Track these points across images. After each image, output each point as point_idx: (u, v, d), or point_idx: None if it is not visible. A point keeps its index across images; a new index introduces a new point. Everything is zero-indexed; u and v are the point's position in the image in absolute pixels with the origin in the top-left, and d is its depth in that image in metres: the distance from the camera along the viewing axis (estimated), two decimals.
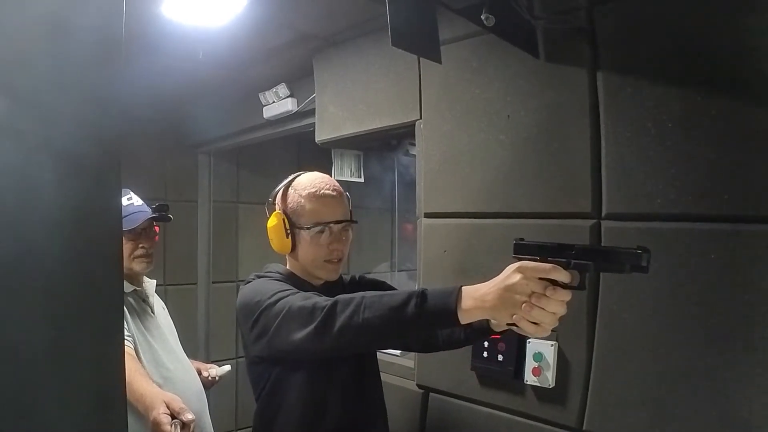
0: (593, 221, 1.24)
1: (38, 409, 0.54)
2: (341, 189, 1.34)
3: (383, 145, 2.34)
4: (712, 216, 1.09)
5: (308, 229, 1.27)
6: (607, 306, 1.22)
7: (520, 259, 0.92)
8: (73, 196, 0.57)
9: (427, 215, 1.61)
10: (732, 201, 1.06)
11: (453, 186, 1.53)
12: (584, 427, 1.25)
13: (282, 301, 1.12)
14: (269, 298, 1.14)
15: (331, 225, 1.28)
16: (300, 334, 1.04)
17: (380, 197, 3.10)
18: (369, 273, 3.10)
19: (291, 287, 1.19)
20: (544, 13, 1.30)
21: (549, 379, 1.30)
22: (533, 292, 0.87)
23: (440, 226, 1.58)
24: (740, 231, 1.05)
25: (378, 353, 1.80)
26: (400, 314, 0.95)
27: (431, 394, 1.61)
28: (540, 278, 0.87)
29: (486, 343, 1.41)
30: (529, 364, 1.33)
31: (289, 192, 1.32)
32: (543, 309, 0.87)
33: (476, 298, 0.91)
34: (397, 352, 1.81)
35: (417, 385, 1.65)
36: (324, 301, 1.05)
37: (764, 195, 1.03)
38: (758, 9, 1.03)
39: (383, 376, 1.72)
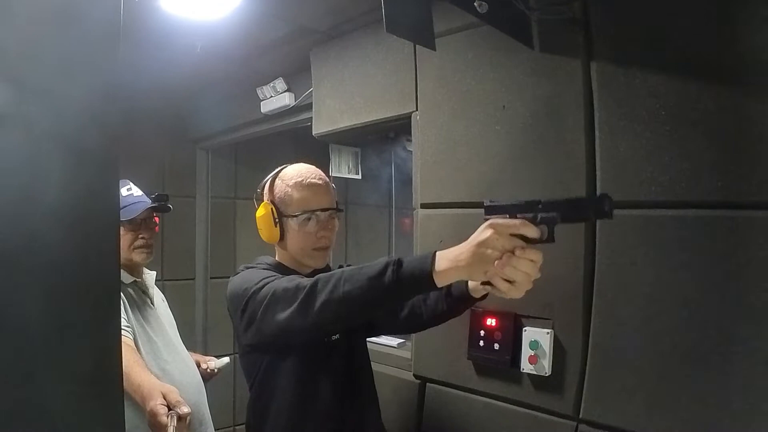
0: None
1: (35, 393, 0.55)
2: (327, 178, 1.37)
3: (381, 140, 2.34)
4: (706, 203, 1.09)
5: (296, 217, 1.29)
6: (603, 294, 1.23)
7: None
8: (70, 183, 0.57)
9: (423, 206, 1.62)
10: (726, 188, 1.07)
11: (449, 176, 1.54)
12: (581, 416, 1.25)
13: (267, 286, 1.14)
14: (256, 284, 1.17)
15: (318, 213, 1.30)
16: (285, 314, 1.07)
17: (378, 193, 3.10)
18: None
19: (277, 274, 1.21)
20: (539, 4, 1.30)
21: (545, 367, 1.30)
22: (505, 251, 0.90)
23: (436, 216, 1.58)
24: (734, 217, 1.06)
25: (374, 344, 1.81)
26: (378, 282, 0.97)
27: (428, 384, 1.62)
28: (511, 234, 0.90)
29: (482, 332, 1.42)
30: (526, 352, 1.33)
31: (276, 182, 1.35)
32: (515, 268, 0.90)
33: (450, 259, 0.93)
34: (394, 343, 1.82)
35: (414, 375, 1.65)
36: (307, 281, 1.07)
37: (757, 182, 1.03)
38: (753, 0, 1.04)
39: (381, 367, 1.73)
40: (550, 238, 0.92)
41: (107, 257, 0.63)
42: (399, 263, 0.98)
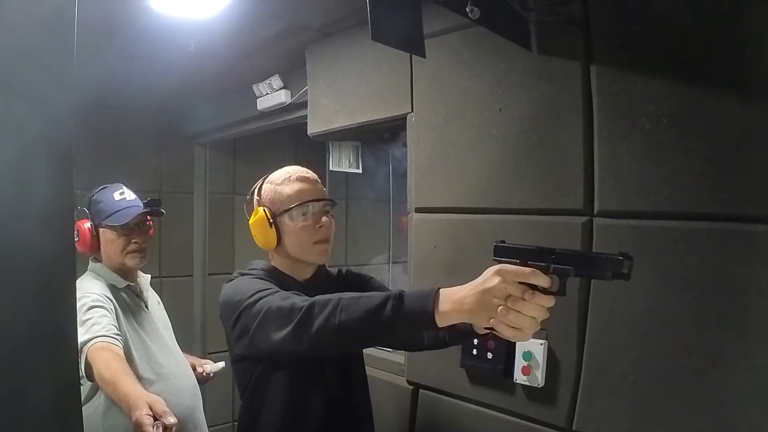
0: (585, 218, 1.22)
1: None
2: (315, 175, 1.36)
3: (380, 137, 2.31)
4: (707, 214, 1.06)
5: (289, 211, 1.27)
6: (598, 305, 1.20)
7: (500, 262, 0.90)
8: (21, 185, 0.55)
9: (418, 210, 1.59)
10: (727, 199, 1.03)
11: (444, 181, 1.51)
12: (574, 427, 1.23)
13: (261, 301, 1.11)
14: (249, 297, 1.13)
15: (312, 203, 1.28)
16: (278, 335, 1.04)
17: (378, 188, 3.07)
18: (366, 265, 3.08)
19: (272, 286, 1.18)
20: (537, 5, 1.26)
21: (539, 378, 1.28)
22: (510, 295, 0.85)
23: (431, 221, 1.55)
24: (735, 230, 1.02)
25: (368, 349, 1.79)
26: (376, 317, 0.93)
27: (421, 390, 1.60)
28: (519, 282, 0.85)
29: (475, 341, 1.39)
30: (519, 362, 1.31)
31: (264, 187, 1.34)
32: (520, 313, 0.85)
33: (454, 302, 0.89)
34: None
35: (407, 381, 1.64)
36: (302, 301, 1.04)
37: (761, 194, 0.99)
38: (756, 3, 0.99)
39: (374, 372, 1.72)
40: (562, 291, 0.86)
41: (61, 260, 0.60)
42: (400, 298, 0.93)
